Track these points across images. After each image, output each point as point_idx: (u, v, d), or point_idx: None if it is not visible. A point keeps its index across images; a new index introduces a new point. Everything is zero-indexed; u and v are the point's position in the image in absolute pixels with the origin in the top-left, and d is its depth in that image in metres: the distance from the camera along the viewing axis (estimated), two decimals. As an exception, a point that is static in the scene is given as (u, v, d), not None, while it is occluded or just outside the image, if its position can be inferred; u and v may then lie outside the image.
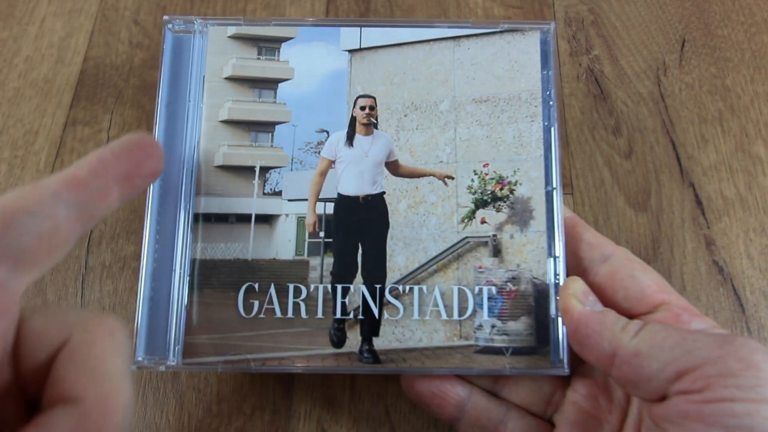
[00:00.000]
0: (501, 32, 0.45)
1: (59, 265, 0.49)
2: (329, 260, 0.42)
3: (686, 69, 0.56)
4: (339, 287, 0.41)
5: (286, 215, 0.43)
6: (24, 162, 0.53)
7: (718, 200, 0.51)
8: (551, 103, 0.43)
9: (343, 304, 0.41)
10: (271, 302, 0.41)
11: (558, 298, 0.39)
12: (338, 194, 0.43)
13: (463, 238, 0.42)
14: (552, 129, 0.43)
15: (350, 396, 0.46)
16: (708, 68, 0.56)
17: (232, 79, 0.44)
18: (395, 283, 0.42)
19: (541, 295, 0.41)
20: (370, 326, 0.41)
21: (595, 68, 0.56)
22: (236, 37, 0.45)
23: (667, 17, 0.58)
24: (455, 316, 0.41)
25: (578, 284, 0.37)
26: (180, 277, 0.41)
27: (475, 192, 0.43)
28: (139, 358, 0.39)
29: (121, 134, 0.53)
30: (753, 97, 0.55)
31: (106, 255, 0.49)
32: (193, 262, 0.41)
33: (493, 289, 0.41)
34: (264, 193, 0.43)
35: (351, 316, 0.41)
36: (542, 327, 0.41)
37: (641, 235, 0.50)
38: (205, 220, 0.42)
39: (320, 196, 0.43)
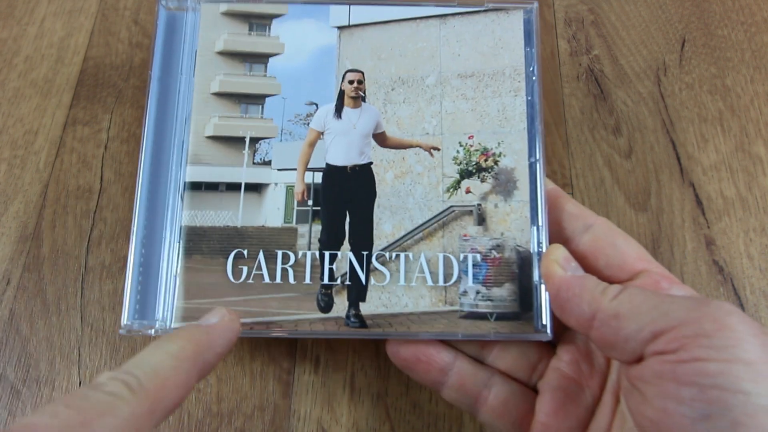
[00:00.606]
0: (485, 11, 0.45)
1: (59, 265, 0.48)
2: (317, 228, 0.42)
3: (686, 69, 0.56)
4: (327, 254, 0.41)
5: (275, 184, 0.43)
6: (24, 162, 0.52)
7: (718, 200, 0.51)
8: (534, 78, 0.44)
9: (331, 270, 0.41)
10: (259, 268, 0.41)
11: (540, 264, 0.39)
12: (326, 164, 0.43)
13: (449, 207, 0.42)
14: (535, 103, 0.43)
15: (350, 396, 0.45)
16: (708, 68, 0.56)
17: (223, 53, 0.44)
18: (382, 250, 0.41)
19: (524, 262, 0.41)
20: (357, 292, 0.41)
21: (595, 68, 0.56)
22: (228, 14, 0.45)
23: (667, 17, 0.58)
24: (441, 283, 0.41)
25: (560, 251, 0.37)
26: (170, 243, 0.40)
27: (461, 163, 0.43)
28: (128, 322, 0.39)
29: (120, 134, 0.53)
30: (753, 97, 0.54)
31: (106, 255, 0.49)
32: (183, 229, 0.41)
33: (478, 257, 0.41)
34: (254, 163, 0.43)
35: (338, 281, 0.41)
36: (526, 293, 0.40)
37: (641, 235, 0.50)
38: (196, 188, 0.42)
39: (309, 166, 0.43)
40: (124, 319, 0.39)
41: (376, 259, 0.41)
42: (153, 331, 0.39)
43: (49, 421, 0.23)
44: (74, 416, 0.23)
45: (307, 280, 0.41)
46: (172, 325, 0.39)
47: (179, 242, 0.41)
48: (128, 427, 0.24)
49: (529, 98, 0.43)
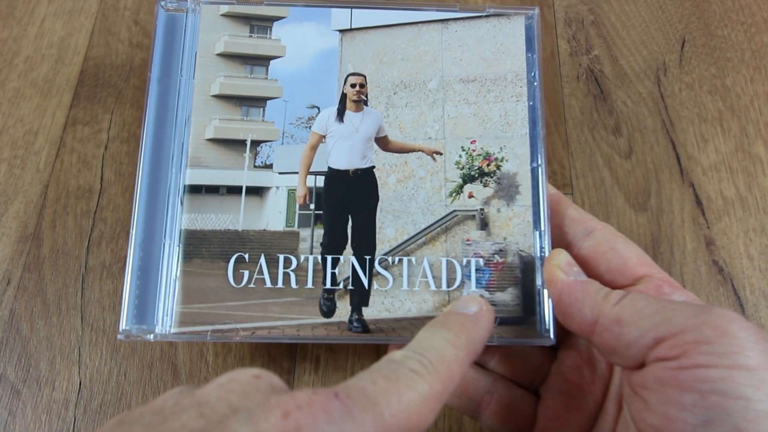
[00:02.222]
0: (487, 16, 0.43)
1: (59, 265, 0.46)
2: (319, 232, 0.39)
3: (686, 69, 0.53)
4: (329, 258, 0.39)
5: (277, 188, 0.40)
6: (24, 162, 0.49)
7: (718, 200, 0.48)
8: (535, 83, 0.41)
9: (333, 274, 0.38)
10: (261, 272, 0.38)
11: (543, 269, 0.37)
12: (328, 168, 0.40)
13: (451, 212, 0.40)
14: (537, 108, 0.41)
15: None
16: (708, 68, 0.53)
17: (224, 55, 0.42)
18: (385, 254, 0.39)
19: (527, 267, 0.39)
20: (360, 296, 0.38)
21: (595, 68, 0.53)
22: (229, 15, 0.42)
23: (667, 17, 0.56)
24: (444, 287, 0.38)
25: (563, 255, 0.36)
26: (170, 247, 0.38)
27: (463, 167, 0.40)
28: (127, 327, 0.36)
29: (121, 134, 0.51)
30: (753, 97, 0.52)
31: (106, 255, 0.46)
32: (182, 232, 0.38)
33: (481, 261, 0.39)
34: (255, 166, 0.40)
35: (341, 286, 0.38)
36: (529, 298, 0.38)
37: (641, 235, 0.47)
38: (196, 191, 0.39)
39: (311, 170, 0.40)
40: (123, 324, 0.36)
41: (379, 263, 0.39)
42: (152, 336, 0.36)
43: (369, 386, 0.24)
44: (389, 386, 0.24)
45: (310, 285, 0.38)
46: (172, 330, 0.37)
47: (179, 246, 0.38)
48: (425, 403, 0.25)
49: (531, 103, 0.41)
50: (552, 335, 0.37)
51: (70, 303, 0.45)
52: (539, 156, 0.40)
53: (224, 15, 0.42)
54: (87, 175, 0.49)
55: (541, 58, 0.42)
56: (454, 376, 0.27)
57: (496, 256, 0.39)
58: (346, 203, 0.40)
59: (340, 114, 0.41)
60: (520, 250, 0.39)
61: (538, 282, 0.38)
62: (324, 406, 0.22)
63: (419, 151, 0.41)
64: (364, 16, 0.43)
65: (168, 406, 0.23)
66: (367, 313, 0.38)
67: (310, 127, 0.41)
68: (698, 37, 0.55)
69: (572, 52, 0.54)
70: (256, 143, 0.41)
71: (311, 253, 0.39)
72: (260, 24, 0.42)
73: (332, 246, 0.39)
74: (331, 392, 0.23)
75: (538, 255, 0.39)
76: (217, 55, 0.42)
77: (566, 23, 0.55)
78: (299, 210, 0.40)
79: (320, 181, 0.40)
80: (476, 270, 0.39)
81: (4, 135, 0.50)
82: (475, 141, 0.41)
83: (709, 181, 0.49)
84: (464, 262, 0.39)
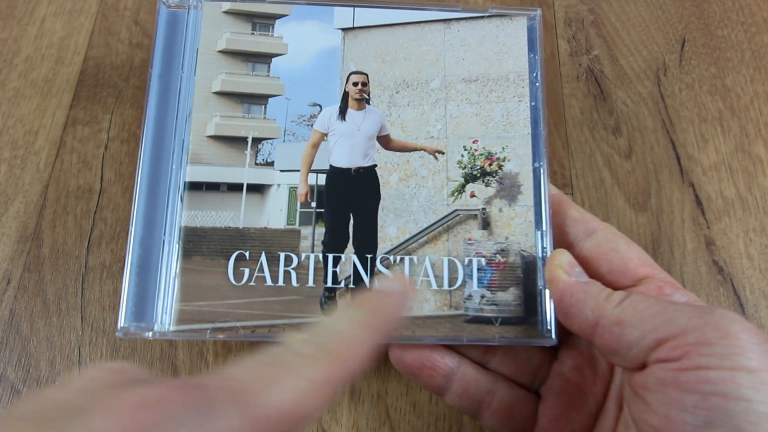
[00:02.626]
0: (489, 17, 0.43)
1: (59, 265, 0.45)
2: (320, 230, 0.39)
3: (686, 69, 0.53)
4: (330, 256, 0.38)
5: (278, 185, 0.39)
6: (24, 162, 0.49)
7: (718, 200, 0.48)
8: (537, 84, 0.41)
9: (335, 273, 0.38)
10: (261, 270, 0.37)
11: (545, 269, 0.36)
12: (330, 166, 0.40)
13: (453, 211, 0.39)
14: (539, 109, 0.40)
15: (350, 396, 0.42)
16: (708, 68, 0.53)
17: (225, 52, 0.41)
18: (386, 253, 0.38)
19: (529, 267, 0.38)
20: (361, 295, 0.37)
21: (595, 68, 0.53)
22: (231, 13, 0.42)
23: (667, 17, 0.55)
24: (445, 286, 0.38)
25: (564, 256, 0.35)
26: (169, 244, 0.37)
27: (465, 167, 0.40)
28: (125, 325, 0.35)
29: (121, 134, 0.50)
30: (753, 97, 0.51)
31: (107, 255, 0.46)
32: (182, 229, 0.37)
33: (483, 261, 0.38)
34: (256, 164, 0.40)
35: (342, 284, 0.38)
36: (530, 298, 0.38)
37: (641, 235, 0.47)
38: (196, 188, 0.38)
39: (312, 168, 0.40)
40: (121, 322, 0.35)
41: (381, 262, 0.38)
42: (151, 333, 0.36)
43: (244, 374, 0.22)
44: (269, 373, 0.22)
45: (311, 283, 0.37)
46: (171, 328, 0.36)
47: (179, 243, 0.37)
48: (315, 389, 0.23)
49: (533, 104, 0.41)
50: (553, 335, 0.37)
51: (70, 303, 0.44)
52: (541, 156, 0.40)
53: (226, 12, 0.42)
54: (87, 175, 0.48)
55: (543, 59, 0.42)
56: (355, 356, 0.25)
57: (497, 255, 0.38)
58: (347, 201, 0.39)
59: (342, 112, 0.41)
60: (522, 250, 0.38)
61: (540, 282, 0.38)
62: (178, 401, 0.20)
63: (421, 150, 0.40)
64: (366, 15, 0.42)
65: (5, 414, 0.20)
66: (368, 312, 0.37)
67: (311, 125, 0.40)
68: (698, 37, 0.54)
69: (572, 52, 0.54)
70: (257, 141, 0.40)
71: (312, 252, 0.38)
72: (262, 21, 0.42)
73: (333, 244, 0.38)
74: (193, 384, 0.21)
75: (540, 255, 0.38)
76: (219, 52, 0.41)
77: (566, 23, 0.55)
78: (300, 208, 0.39)
79: (322, 179, 0.40)
80: (478, 269, 0.38)
81: (4, 135, 0.50)
82: (477, 140, 0.40)
83: (709, 181, 0.48)
84: (466, 262, 0.38)
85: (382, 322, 0.27)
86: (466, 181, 0.40)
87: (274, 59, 0.41)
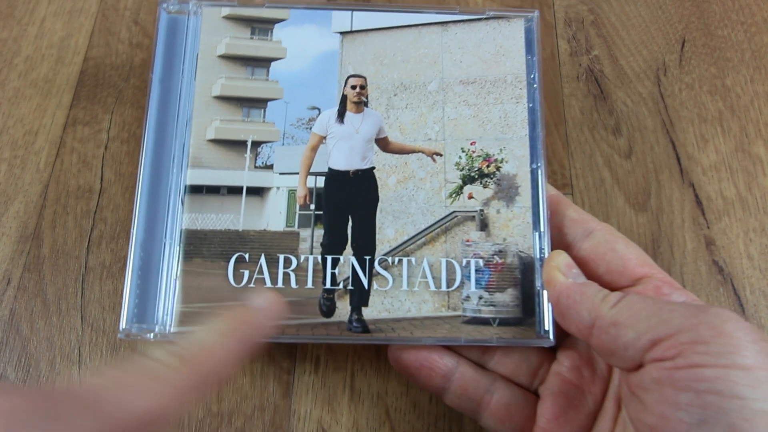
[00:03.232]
0: (487, 19, 0.43)
1: (59, 265, 0.45)
2: (319, 232, 0.39)
3: (686, 69, 0.53)
4: (329, 258, 0.38)
5: (277, 188, 0.40)
6: (24, 162, 0.49)
7: (718, 200, 0.48)
8: (535, 86, 0.41)
9: (333, 274, 0.38)
10: (261, 272, 0.37)
11: (542, 270, 0.36)
12: (329, 168, 0.40)
13: (451, 213, 0.39)
14: (536, 110, 0.40)
15: (350, 396, 0.42)
16: (708, 68, 0.53)
17: (225, 57, 0.41)
18: (384, 254, 0.39)
19: (527, 268, 0.38)
20: (360, 296, 0.38)
21: (595, 68, 0.53)
22: (230, 18, 0.42)
23: (667, 17, 0.55)
24: (443, 288, 0.38)
25: (562, 257, 0.35)
26: (170, 246, 0.37)
27: (463, 168, 0.40)
28: (127, 326, 0.35)
29: (121, 134, 0.50)
30: (753, 97, 0.51)
31: (106, 255, 0.46)
32: (183, 232, 0.38)
33: (481, 262, 0.38)
34: (255, 167, 0.40)
35: (341, 286, 0.38)
36: (528, 299, 0.38)
37: (641, 235, 0.47)
38: (196, 191, 0.38)
39: (311, 170, 0.40)
40: (123, 324, 0.36)
41: (379, 263, 0.38)
42: (152, 335, 0.36)
43: (97, 381, 0.22)
44: (120, 376, 0.23)
45: (309, 285, 0.38)
46: (172, 330, 0.36)
47: (179, 245, 0.37)
48: (173, 393, 0.23)
49: (531, 105, 0.41)
50: (551, 336, 0.37)
51: (70, 303, 0.44)
52: (539, 157, 0.40)
53: (225, 17, 0.42)
54: (87, 175, 0.48)
55: (540, 59, 0.42)
56: (216, 362, 0.26)
57: (495, 256, 0.39)
58: (346, 204, 0.39)
59: (341, 115, 0.41)
60: (520, 251, 0.39)
61: (538, 283, 0.38)
62: (25, 410, 0.19)
63: (419, 152, 0.40)
64: (364, 19, 0.42)
65: None
66: (367, 313, 0.37)
67: (310, 129, 0.40)
68: (698, 37, 0.54)
69: (572, 52, 0.54)
70: (256, 144, 0.40)
71: (311, 253, 0.38)
72: (261, 26, 0.42)
73: (332, 246, 0.39)
74: (42, 393, 0.21)
75: (538, 256, 0.38)
76: (219, 56, 0.41)
77: (566, 23, 0.55)
78: (299, 210, 0.39)
79: (320, 182, 0.40)
80: (476, 271, 0.38)
81: (4, 135, 0.49)
82: (474, 142, 0.40)
83: (709, 181, 0.48)
84: (464, 263, 0.38)
85: (245, 332, 0.28)
86: (464, 183, 0.40)
87: (273, 63, 0.41)
